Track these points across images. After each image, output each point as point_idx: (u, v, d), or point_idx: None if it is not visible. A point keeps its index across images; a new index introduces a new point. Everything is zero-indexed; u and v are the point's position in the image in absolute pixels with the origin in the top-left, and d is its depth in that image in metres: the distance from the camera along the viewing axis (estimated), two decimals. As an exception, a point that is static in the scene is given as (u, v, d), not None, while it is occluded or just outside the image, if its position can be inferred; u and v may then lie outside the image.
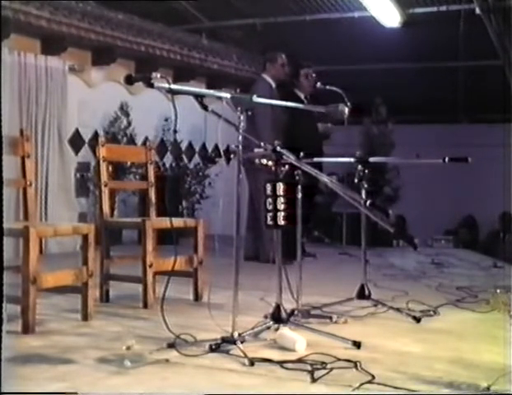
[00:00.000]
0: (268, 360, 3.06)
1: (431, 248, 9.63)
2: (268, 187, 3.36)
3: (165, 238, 4.56)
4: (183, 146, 10.35)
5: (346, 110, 3.90)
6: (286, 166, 3.50)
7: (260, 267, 6.16)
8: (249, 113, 5.80)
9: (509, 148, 9.49)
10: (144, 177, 5.14)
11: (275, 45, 7.37)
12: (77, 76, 8.03)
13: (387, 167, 10.19)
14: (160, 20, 9.06)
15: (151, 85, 3.21)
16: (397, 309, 4.23)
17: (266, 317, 3.66)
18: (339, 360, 3.04)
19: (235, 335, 3.20)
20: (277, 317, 3.52)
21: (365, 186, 4.26)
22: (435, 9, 9.34)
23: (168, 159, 10.01)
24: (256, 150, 3.54)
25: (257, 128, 6.19)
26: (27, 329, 3.53)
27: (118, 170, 8.14)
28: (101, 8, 8.11)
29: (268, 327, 3.53)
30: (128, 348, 3.19)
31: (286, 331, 3.43)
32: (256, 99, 3.47)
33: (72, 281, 3.88)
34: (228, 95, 3.37)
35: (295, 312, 3.92)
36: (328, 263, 7.23)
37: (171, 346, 3.23)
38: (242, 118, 3.30)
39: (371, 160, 4.46)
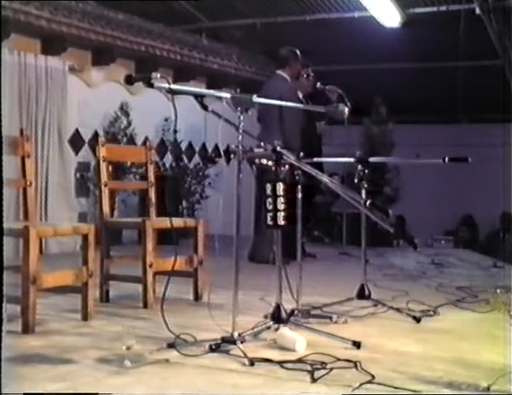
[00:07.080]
0: (268, 360, 3.06)
1: (431, 248, 9.61)
2: (268, 187, 3.36)
3: (165, 238, 4.56)
4: (184, 146, 10.35)
5: (346, 110, 3.90)
6: (286, 166, 3.50)
7: (260, 267, 6.15)
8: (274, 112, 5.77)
9: (509, 148, 9.50)
10: (144, 177, 5.14)
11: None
12: (77, 76, 8.02)
13: (387, 167, 10.18)
14: (160, 20, 9.06)
15: (151, 85, 3.21)
16: (397, 309, 4.23)
17: (266, 317, 3.66)
18: (339, 360, 3.04)
19: (235, 335, 3.20)
20: (277, 317, 3.52)
21: (365, 186, 4.26)
22: (435, 9, 9.33)
23: (168, 159, 10.01)
24: (256, 150, 3.53)
25: (285, 131, 6.22)
26: (27, 329, 3.53)
27: (118, 170, 8.14)
28: (101, 8, 8.11)
29: (268, 327, 3.53)
30: (128, 348, 3.19)
31: (286, 331, 3.43)
32: (256, 99, 3.46)
33: (72, 281, 3.88)
34: (228, 95, 3.37)
35: (295, 312, 3.91)
36: (328, 263, 7.23)
37: (171, 346, 3.23)
38: (242, 118, 3.30)
39: (371, 160, 4.47)
